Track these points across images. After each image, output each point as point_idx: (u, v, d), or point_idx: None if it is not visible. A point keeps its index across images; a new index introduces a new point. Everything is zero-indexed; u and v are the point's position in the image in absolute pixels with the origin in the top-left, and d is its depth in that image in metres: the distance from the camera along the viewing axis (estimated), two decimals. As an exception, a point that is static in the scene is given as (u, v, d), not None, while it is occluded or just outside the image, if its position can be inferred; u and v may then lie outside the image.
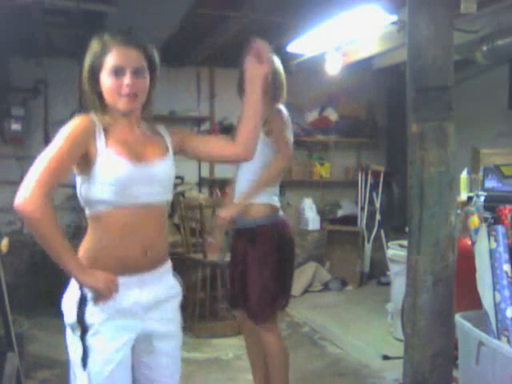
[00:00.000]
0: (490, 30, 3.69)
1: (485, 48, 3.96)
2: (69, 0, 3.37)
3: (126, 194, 1.57)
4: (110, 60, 1.57)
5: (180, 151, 1.77)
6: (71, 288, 1.61)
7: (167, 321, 1.71)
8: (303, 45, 4.40)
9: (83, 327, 1.55)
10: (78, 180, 1.61)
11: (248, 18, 3.91)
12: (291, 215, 6.07)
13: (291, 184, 5.99)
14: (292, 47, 4.46)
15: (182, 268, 4.23)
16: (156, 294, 1.66)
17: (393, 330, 4.00)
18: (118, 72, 1.56)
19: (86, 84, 1.61)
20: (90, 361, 1.55)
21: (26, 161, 5.05)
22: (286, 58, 5.14)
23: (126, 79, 1.56)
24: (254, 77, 1.71)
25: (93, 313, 1.55)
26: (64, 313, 1.61)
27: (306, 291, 5.42)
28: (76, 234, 4.64)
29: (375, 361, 3.61)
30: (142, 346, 1.68)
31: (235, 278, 2.71)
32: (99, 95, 1.61)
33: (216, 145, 1.80)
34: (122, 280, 1.57)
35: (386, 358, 3.58)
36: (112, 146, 1.58)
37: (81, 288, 1.55)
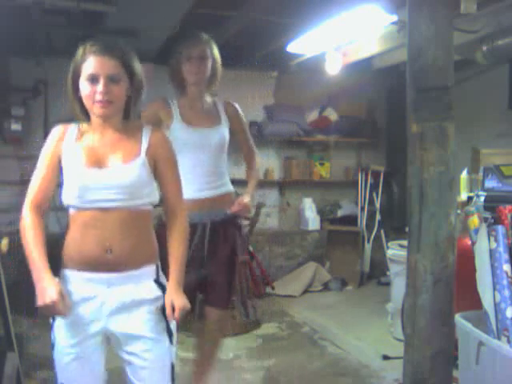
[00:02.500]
0: (490, 29, 3.69)
1: (485, 48, 3.96)
2: (69, 0, 3.37)
3: (85, 198, 1.66)
4: (86, 67, 1.65)
5: (154, 163, 1.77)
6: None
7: (139, 324, 1.70)
8: (303, 45, 4.39)
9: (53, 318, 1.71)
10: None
11: (248, 18, 3.91)
12: (291, 215, 6.07)
13: (291, 184, 5.99)
14: (292, 47, 4.46)
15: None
16: (124, 296, 1.69)
17: (393, 329, 4.00)
18: (93, 79, 1.64)
19: (69, 90, 1.71)
20: (55, 349, 1.73)
21: (26, 161, 5.06)
22: (286, 58, 5.16)
23: (99, 86, 1.63)
24: None
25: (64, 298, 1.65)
26: None
27: (306, 291, 5.42)
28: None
29: (375, 361, 3.61)
30: (116, 348, 1.74)
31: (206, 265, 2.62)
32: (80, 101, 1.70)
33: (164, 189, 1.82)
34: (85, 275, 1.68)
35: (386, 357, 3.58)
36: (77, 151, 1.70)
37: (61, 280, 1.68)
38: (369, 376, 3.41)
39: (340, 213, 6.07)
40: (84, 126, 1.73)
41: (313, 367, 3.58)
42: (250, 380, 3.35)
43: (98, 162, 1.68)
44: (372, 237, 5.76)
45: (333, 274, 5.66)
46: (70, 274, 1.70)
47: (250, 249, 4.69)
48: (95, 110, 1.66)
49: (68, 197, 1.68)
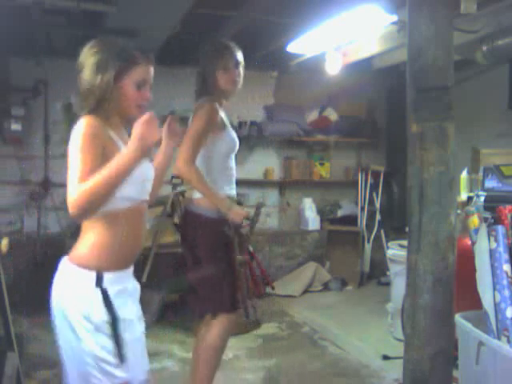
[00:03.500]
0: (490, 29, 3.69)
1: (485, 48, 3.96)
2: (69, 0, 3.37)
3: (143, 189, 1.74)
4: (138, 73, 1.69)
5: None
6: (80, 289, 1.62)
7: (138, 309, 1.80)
8: (303, 45, 4.39)
9: (114, 322, 1.61)
10: None
11: (248, 18, 3.91)
12: (291, 215, 6.08)
13: (291, 184, 5.99)
14: (292, 47, 4.46)
15: (182, 267, 4.23)
16: (134, 286, 1.79)
17: (393, 330, 4.01)
18: (141, 85, 1.70)
19: (109, 90, 1.65)
20: (127, 351, 1.63)
21: (26, 161, 5.06)
22: (286, 58, 5.16)
23: (146, 93, 1.72)
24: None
25: (119, 306, 1.64)
26: (81, 315, 1.60)
27: (306, 291, 5.42)
28: (76, 233, 4.64)
29: (375, 361, 3.61)
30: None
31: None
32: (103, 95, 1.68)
33: None
34: (123, 273, 1.70)
35: (386, 357, 3.58)
36: (121, 143, 1.69)
37: (99, 285, 1.61)
38: (369, 376, 3.41)
39: (340, 213, 6.07)
40: (99, 119, 1.65)
41: (313, 367, 3.58)
42: (250, 380, 3.35)
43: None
44: (372, 237, 5.76)
45: (333, 274, 5.66)
46: (112, 275, 1.65)
47: (250, 249, 4.69)
48: (133, 112, 1.71)
49: (129, 190, 1.63)
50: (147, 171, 1.77)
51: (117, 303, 1.63)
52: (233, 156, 2.67)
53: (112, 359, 1.60)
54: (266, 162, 5.91)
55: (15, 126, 4.81)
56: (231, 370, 3.51)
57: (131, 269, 1.77)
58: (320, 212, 6.05)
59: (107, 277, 1.63)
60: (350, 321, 4.49)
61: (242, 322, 4.11)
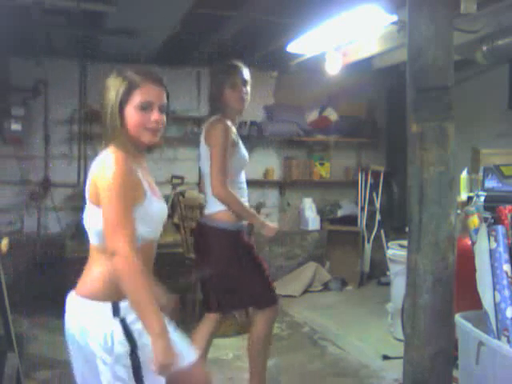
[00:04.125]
0: (490, 29, 3.68)
1: (485, 48, 3.95)
2: (69, 0, 3.37)
3: (157, 230, 1.70)
4: (139, 96, 1.64)
5: None
6: (98, 322, 1.59)
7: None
8: (303, 45, 4.39)
9: (135, 350, 1.57)
10: (96, 211, 1.60)
11: (248, 18, 3.91)
12: (291, 215, 6.07)
13: (291, 184, 5.99)
14: (292, 47, 4.46)
15: (181, 268, 4.23)
16: None
17: (393, 329, 4.01)
18: (146, 107, 1.65)
19: (115, 119, 1.65)
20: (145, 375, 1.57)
21: (26, 161, 5.06)
22: (286, 58, 5.16)
23: (154, 115, 1.65)
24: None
25: (139, 333, 1.58)
26: (101, 348, 1.57)
27: (306, 291, 5.42)
28: (76, 233, 4.65)
29: (375, 361, 3.61)
30: None
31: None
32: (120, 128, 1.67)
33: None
34: None
35: (386, 357, 3.58)
36: (144, 182, 1.67)
37: (117, 314, 1.59)
38: (369, 376, 3.41)
39: (340, 213, 6.07)
40: (122, 154, 1.64)
41: (313, 367, 3.58)
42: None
43: (158, 194, 1.73)
44: (372, 237, 5.76)
45: (333, 274, 5.66)
46: (127, 304, 1.58)
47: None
48: (145, 138, 1.67)
49: (144, 231, 1.62)
50: (163, 212, 1.74)
51: (136, 331, 1.59)
52: (243, 171, 2.83)
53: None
54: (266, 162, 5.91)
55: (15, 126, 4.81)
56: (231, 370, 3.51)
57: None
58: (320, 212, 6.05)
59: (123, 305, 1.59)
60: (350, 321, 4.49)
61: (242, 321, 4.11)
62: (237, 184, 2.76)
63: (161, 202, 1.73)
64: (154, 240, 1.72)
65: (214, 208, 2.72)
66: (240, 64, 2.80)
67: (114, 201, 1.54)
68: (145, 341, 1.57)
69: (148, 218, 1.63)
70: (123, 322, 1.58)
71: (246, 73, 2.80)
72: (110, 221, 1.53)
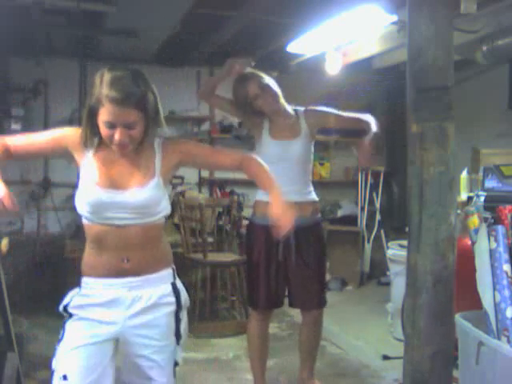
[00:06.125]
0: (490, 29, 3.68)
1: (485, 48, 3.95)
2: (69, 0, 3.38)
3: (98, 215, 1.68)
4: (104, 113, 1.61)
5: (180, 163, 1.83)
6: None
7: (152, 328, 1.74)
8: (303, 45, 4.39)
9: (67, 314, 1.75)
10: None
11: (248, 18, 3.91)
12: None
13: (291, 184, 5.98)
14: (292, 47, 4.46)
15: (181, 268, 4.23)
16: (143, 298, 1.73)
17: (393, 329, 4.00)
18: (108, 126, 1.62)
19: (85, 118, 1.69)
20: (60, 344, 1.72)
21: (25, 161, 5.06)
22: (286, 58, 5.16)
23: (116, 134, 1.62)
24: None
25: (74, 305, 1.74)
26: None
27: (306, 291, 5.42)
28: (76, 233, 4.65)
29: (375, 361, 3.61)
30: (125, 350, 1.76)
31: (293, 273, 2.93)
32: (93, 125, 1.69)
33: (218, 160, 1.93)
34: (107, 281, 1.72)
35: (386, 357, 3.58)
36: (93, 166, 1.70)
37: (79, 286, 1.76)
38: (369, 376, 3.41)
39: (340, 213, 6.07)
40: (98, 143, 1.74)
41: (313, 367, 3.57)
42: (250, 380, 3.34)
43: (114, 183, 1.69)
44: (372, 237, 5.76)
45: (333, 274, 5.65)
46: (92, 280, 1.73)
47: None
48: (113, 149, 1.68)
49: (80, 208, 1.70)
50: (108, 199, 1.67)
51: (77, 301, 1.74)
52: (274, 166, 2.92)
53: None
54: (266, 162, 5.90)
55: (15, 126, 4.81)
56: (231, 370, 3.51)
57: (124, 279, 1.71)
58: (320, 212, 6.03)
59: (87, 280, 1.75)
60: (350, 321, 4.48)
61: (242, 321, 4.11)
62: None
63: (108, 193, 1.67)
64: (98, 223, 1.69)
65: (314, 197, 3.03)
66: (255, 72, 2.89)
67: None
68: (90, 316, 1.73)
69: (81, 195, 1.70)
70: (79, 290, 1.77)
71: (262, 78, 2.92)
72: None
